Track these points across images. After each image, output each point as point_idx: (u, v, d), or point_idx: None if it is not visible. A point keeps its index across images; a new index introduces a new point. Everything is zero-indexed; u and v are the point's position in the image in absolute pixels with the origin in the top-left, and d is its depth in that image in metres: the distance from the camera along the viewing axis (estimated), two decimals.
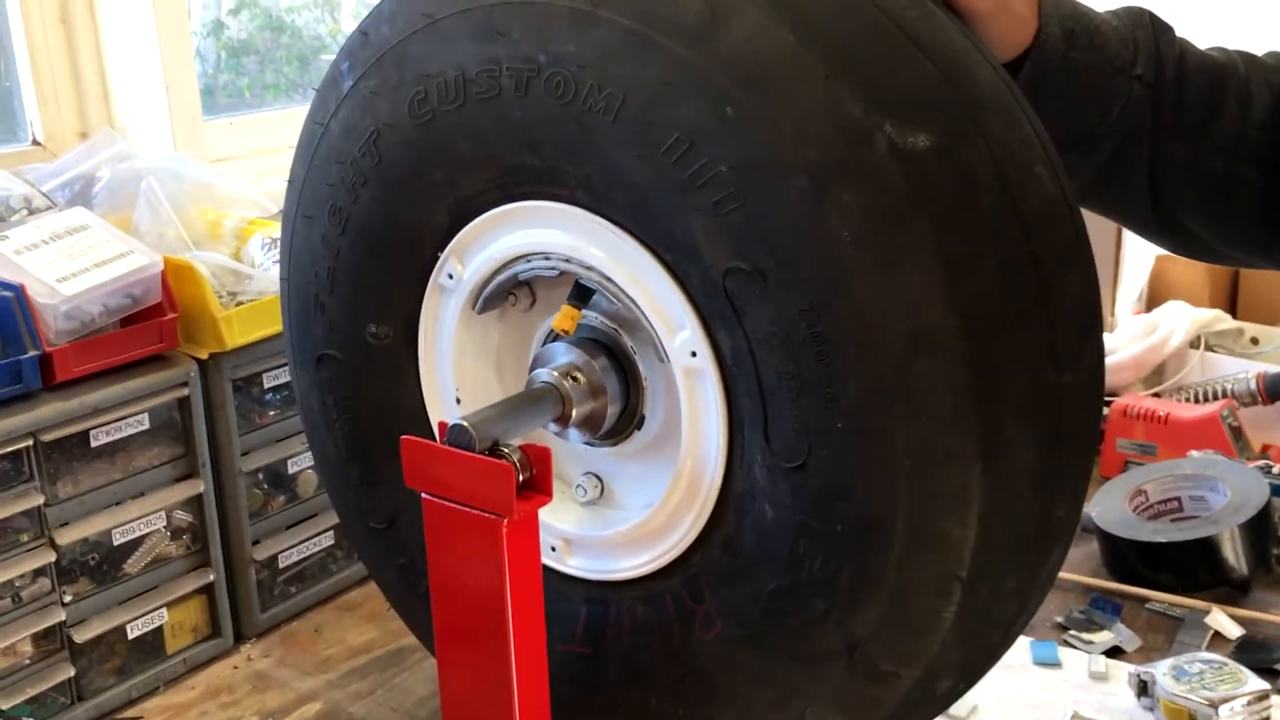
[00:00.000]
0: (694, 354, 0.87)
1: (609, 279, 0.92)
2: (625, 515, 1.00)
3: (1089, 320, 0.84)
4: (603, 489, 1.04)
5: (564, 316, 0.98)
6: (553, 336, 1.03)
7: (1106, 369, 0.88)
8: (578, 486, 1.04)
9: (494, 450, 0.92)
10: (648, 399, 1.00)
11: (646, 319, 0.90)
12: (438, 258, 1.01)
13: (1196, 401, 2.16)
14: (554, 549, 1.02)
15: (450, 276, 1.01)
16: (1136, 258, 2.43)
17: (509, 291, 1.03)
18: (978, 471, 0.79)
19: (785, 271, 0.79)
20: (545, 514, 1.00)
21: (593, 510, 1.04)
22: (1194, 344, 2.27)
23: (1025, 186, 0.80)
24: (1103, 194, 1.02)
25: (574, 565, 1.01)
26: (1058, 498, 0.86)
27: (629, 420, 1.01)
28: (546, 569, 1.01)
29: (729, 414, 0.88)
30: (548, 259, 0.96)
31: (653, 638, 0.97)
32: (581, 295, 0.98)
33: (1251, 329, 2.32)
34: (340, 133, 1.02)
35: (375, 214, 1.02)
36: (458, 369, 1.05)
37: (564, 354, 1.00)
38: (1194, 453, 1.90)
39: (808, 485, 0.84)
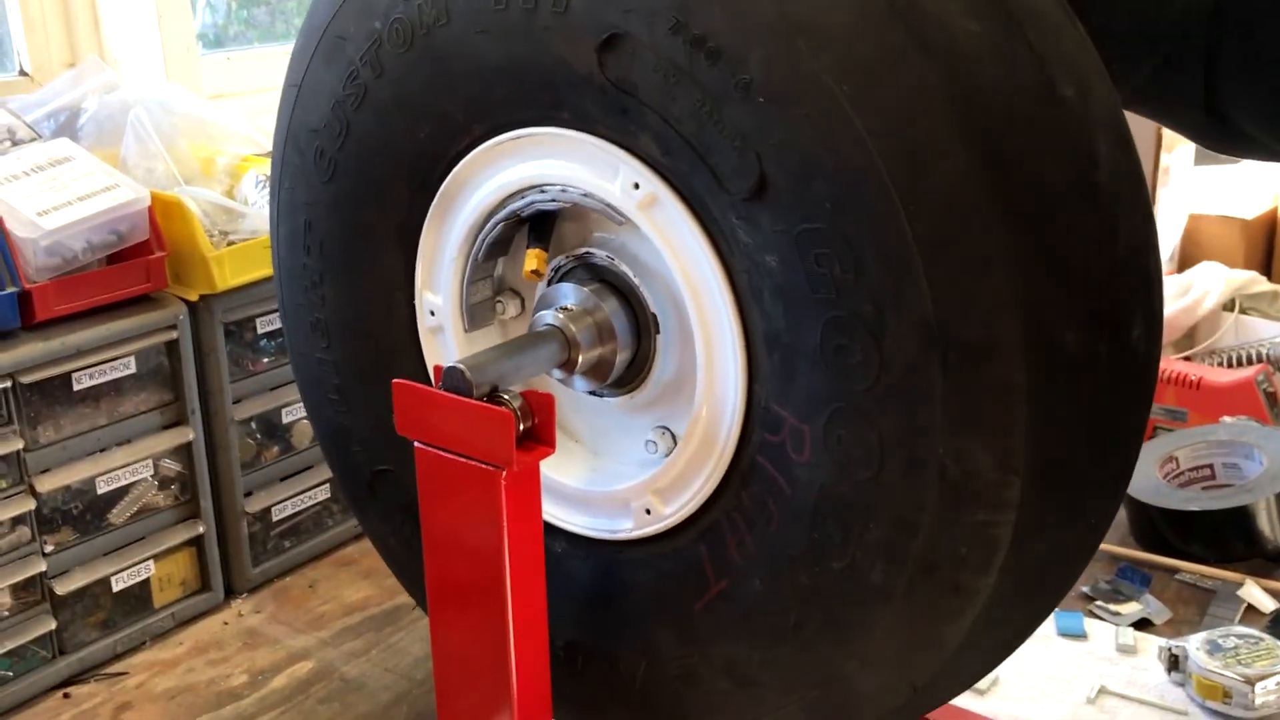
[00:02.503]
0: (636, 185, 0.84)
1: (543, 185, 0.90)
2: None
3: None
4: (674, 437, 0.94)
5: (530, 259, 0.93)
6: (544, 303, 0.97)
7: None
8: (648, 442, 0.95)
9: (493, 396, 0.85)
10: (657, 323, 0.92)
11: (589, 194, 0.87)
12: (413, 306, 1.01)
13: (1230, 366, 2.09)
14: (648, 511, 0.93)
15: (432, 313, 1.00)
16: (1169, 216, 2.35)
17: (493, 300, 1.01)
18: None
19: None
20: (624, 480, 0.94)
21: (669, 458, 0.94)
22: (1228, 306, 2.20)
23: None
24: (1155, 96, 0.98)
25: (672, 511, 0.92)
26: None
27: (641, 365, 0.94)
28: (653, 539, 0.93)
29: (695, 217, 0.82)
30: (491, 219, 0.94)
31: (766, 513, 0.86)
32: (539, 236, 0.94)
33: None
34: (287, 250, 1.06)
35: (345, 302, 1.04)
36: None
37: (566, 295, 0.94)
38: (1226, 418, 1.83)
39: (780, 199, 0.76)
